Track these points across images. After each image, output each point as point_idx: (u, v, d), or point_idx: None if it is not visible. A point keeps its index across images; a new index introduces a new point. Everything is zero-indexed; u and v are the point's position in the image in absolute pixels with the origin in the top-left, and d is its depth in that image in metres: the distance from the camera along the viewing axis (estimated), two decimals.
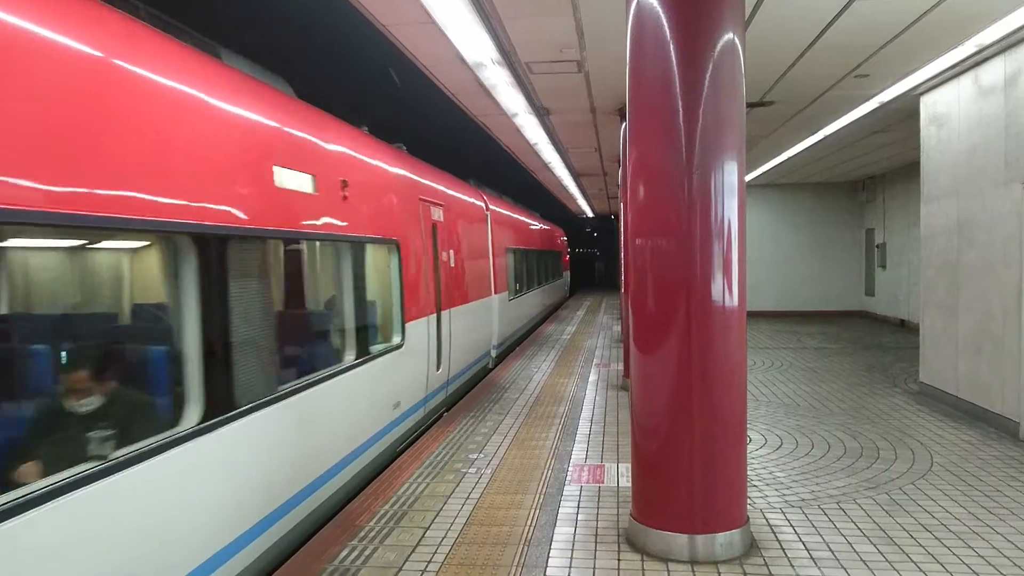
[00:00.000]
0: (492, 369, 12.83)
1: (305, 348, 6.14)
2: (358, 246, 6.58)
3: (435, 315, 9.09)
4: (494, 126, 11.93)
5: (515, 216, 18.55)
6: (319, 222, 5.74)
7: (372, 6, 6.22)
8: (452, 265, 10.26)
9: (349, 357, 6.37)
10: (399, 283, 7.73)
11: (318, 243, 6.32)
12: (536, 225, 23.41)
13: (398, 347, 7.57)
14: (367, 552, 4.71)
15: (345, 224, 6.25)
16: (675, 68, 4.47)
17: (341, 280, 6.50)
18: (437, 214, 9.58)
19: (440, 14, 6.27)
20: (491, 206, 14.38)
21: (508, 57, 7.69)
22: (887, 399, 9.31)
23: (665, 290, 4.64)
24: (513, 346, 15.82)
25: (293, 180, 5.26)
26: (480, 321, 12.39)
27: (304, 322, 6.57)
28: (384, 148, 8.08)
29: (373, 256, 7.19)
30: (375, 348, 7.03)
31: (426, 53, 7.62)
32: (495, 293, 13.75)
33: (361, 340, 6.55)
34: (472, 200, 12.68)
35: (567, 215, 39.21)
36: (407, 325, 7.86)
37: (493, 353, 13.41)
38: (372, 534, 5.01)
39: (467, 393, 10.25)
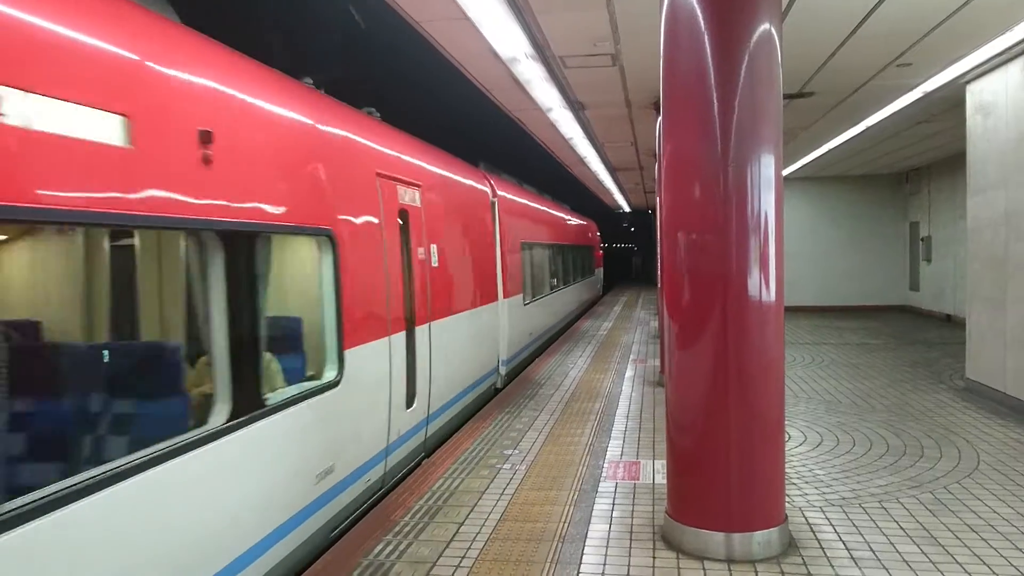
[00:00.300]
0: (501, 389, 10.67)
1: (95, 415, 3.86)
2: (237, 238, 4.17)
3: (403, 333, 6.68)
4: (529, 121, 11.91)
5: (533, 206, 16.01)
6: (139, 196, 3.46)
7: (405, 3, 6.24)
8: (435, 264, 7.91)
9: (216, 418, 3.96)
10: (335, 292, 5.34)
11: (136, 231, 4.19)
12: (562, 217, 21.15)
13: (330, 386, 5.23)
14: (401, 547, 4.73)
15: (206, 202, 3.91)
16: (709, 60, 4.41)
17: (206, 292, 4.05)
18: (409, 197, 7.15)
19: (473, 9, 6.27)
20: (500, 192, 11.94)
21: (542, 51, 7.67)
22: (932, 396, 9.10)
23: (701, 285, 4.59)
24: (532, 358, 13.59)
25: (65, 119, 3.12)
26: (481, 333, 10.10)
27: (90, 368, 4.19)
28: (308, 96, 5.62)
29: (277, 253, 5.05)
30: (278, 395, 4.63)
31: (460, 49, 7.63)
32: (504, 297, 11.45)
33: (241, 387, 4.12)
34: (470, 183, 10.27)
35: (603, 209, 39.03)
36: (348, 352, 5.47)
37: (502, 370, 11.17)
38: (407, 529, 5.04)
39: (461, 427, 8.17)
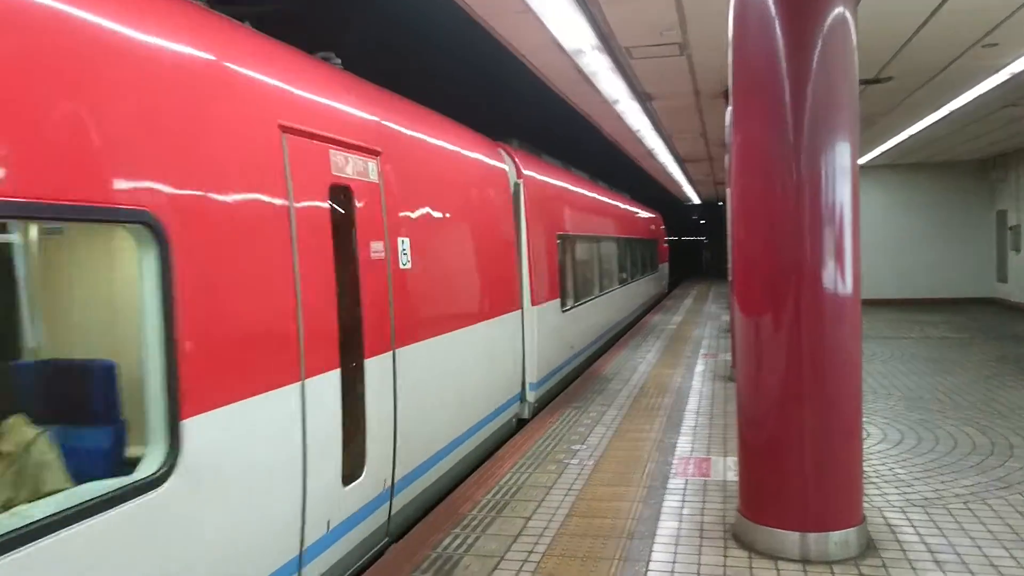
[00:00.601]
0: (528, 420, 8.44)
1: None
2: None
3: (336, 372, 4.40)
4: (595, 114, 11.82)
5: (577, 191, 13.06)
6: None
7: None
8: (405, 266, 5.49)
9: None
10: (161, 320, 3.11)
11: None
12: (618, 206, 18.38)
13: (141, 489, 2.94)
14: (470, 540, 4.76)
15: None
16: (781, 45, 4.28)
17: None
18: (356, 168, 4.86)
19: (536, 1, 6.24)
20: (527, 171, 9.28)
21: (607, 42, 7.59)
22: (1021, 392, 8.67)
23: (772, 277, 4.46)
24: (574, 376, 11.03)
25: None
26: (494, 354, 7.70)
27: None
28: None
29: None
30: None
31: (524, 42, 7.62)
32: (532, 304, 8.91)
33: None
34: (477, 157, 7.80)
35: (672, 201, 38.45)
36: (191, 423, 3.19)
37: (530, 397, 8.78)
38: (475, 523, 5.06)
39: (459, 484, 6.16)
